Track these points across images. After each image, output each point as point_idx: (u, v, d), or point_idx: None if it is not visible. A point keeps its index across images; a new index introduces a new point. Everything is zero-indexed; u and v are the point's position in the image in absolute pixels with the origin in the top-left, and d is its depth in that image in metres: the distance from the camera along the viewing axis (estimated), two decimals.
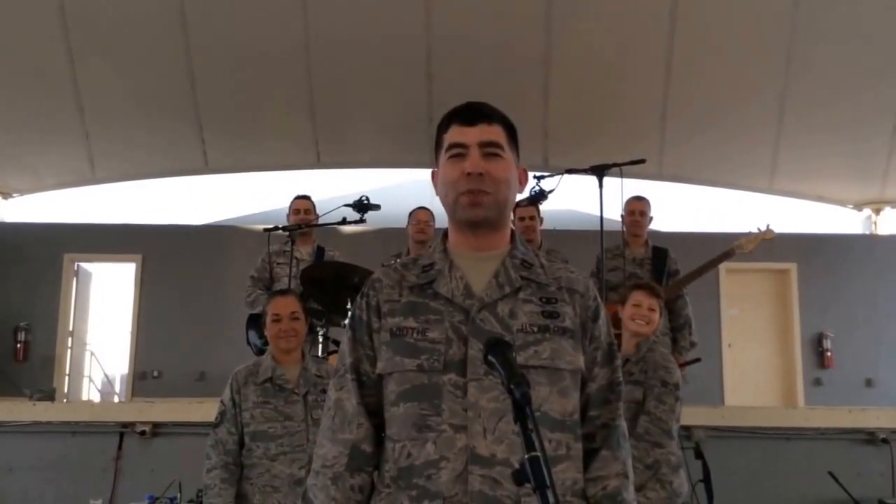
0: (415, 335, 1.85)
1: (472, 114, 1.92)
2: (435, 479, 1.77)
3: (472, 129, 1.89)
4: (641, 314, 4.19)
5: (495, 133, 1.91)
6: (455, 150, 1.90)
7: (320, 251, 6.33)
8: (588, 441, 1.92)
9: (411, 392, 1.82)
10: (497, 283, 1.88)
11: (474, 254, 1.93)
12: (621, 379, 1.99)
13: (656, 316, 4.20)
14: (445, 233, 2.01)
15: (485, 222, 1.90)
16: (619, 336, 4.38)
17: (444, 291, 1.88)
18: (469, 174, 1.86)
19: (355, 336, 1.96)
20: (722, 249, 6.15)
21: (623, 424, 1.97)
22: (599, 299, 1.99)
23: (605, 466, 1.90)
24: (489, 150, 1.89)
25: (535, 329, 1.85)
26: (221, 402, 3.92)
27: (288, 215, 6.25)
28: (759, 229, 6.05)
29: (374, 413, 1.92)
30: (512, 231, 2.00)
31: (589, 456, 1.91)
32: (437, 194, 1.98)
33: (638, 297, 4.23)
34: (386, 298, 1.92)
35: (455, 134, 1.91)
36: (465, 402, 1.78)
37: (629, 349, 4.23)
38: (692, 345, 6.21)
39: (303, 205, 6.24)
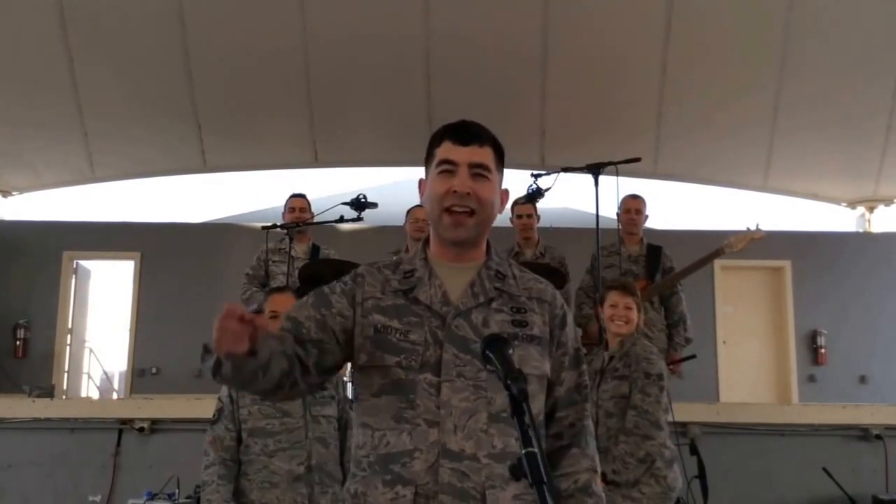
0: (397, 335, 1.96)
1: (465, 134, 2.02)
2: (409, 467, 1.89)
3: (464, 150, 2.00)
4: (619, 314, 4.25)
5: (485, 155, 2.01)
6: (445, 167, 2.00)
7: (316, 249, 6.35)
8: (556, 439, 2.07)
9: (391, 386, 1.94)
10: (472, 292, 2.01)
11: (453, 264, 2.05)
12: (587, 382, 2.13)
13: (634, 314, 4.25)
14: (426, 240, 2.12)
15: (466, 242, 2.03)
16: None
17: (424, 298, 1.99)
18: (455, 192, 1.97)
19: (314, 301, 2.05)
20: (714, 248, 6.19)
21: (590, 424, 2.12)
22: (567, 308, 2.13)
23: (575, 463, 2.06)
24: (477, 171, 1.99)
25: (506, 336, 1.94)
26: (219, 398, 3.91)
27: (283, 213, 6.27)
28: (748, 228, 6.08)
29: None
30: (488, 243, 2.10)
31: (559, 453, 2.07)
32: (422, 203, 2.10)
33: (614, 297, 4.30)
34: (368, 295, 2.03)
35: (447, 150, 2.01)
36: (438, 400, 1.91)
37: (613, 346, 4.29)
38: (687, 341, 6.25)
39: (298, 203, 6.26)
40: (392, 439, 1.92)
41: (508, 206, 6.29)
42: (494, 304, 2.01)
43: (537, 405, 1.99)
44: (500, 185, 2.07)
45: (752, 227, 6.07)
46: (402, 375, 1.93)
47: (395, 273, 2.06)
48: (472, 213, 1.98)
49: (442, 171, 2.01)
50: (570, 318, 2.13)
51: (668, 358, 6.00)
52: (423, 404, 1.91)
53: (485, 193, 1.99)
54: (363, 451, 1.98)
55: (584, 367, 2.14)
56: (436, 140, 2.06)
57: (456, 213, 1.98)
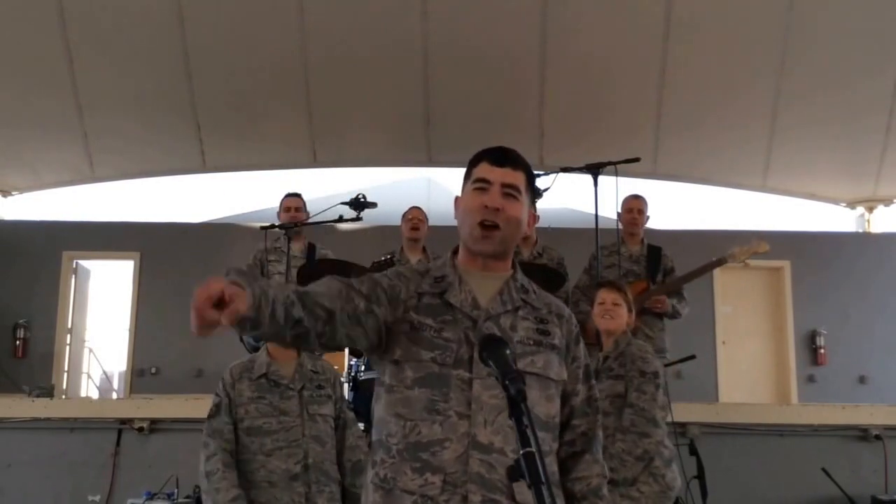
0: (432, 332, 2.10)
1: (501, 157, 2.19)
2: (438, 455, 2.01)
3: (499, 170, 2.16)
4: (606, 310, 4.30)
5: (517, 178, 2.18)
6: (479, 184, 2.17)
7: (312, 249, 6.35)
8: (570, 446, 2.23)
9: (425, 379, 2.07)
10: (501, 300, 2.17)
11: (481, 272, 2.20)
12: (598, 396, 2.32)
13: (622, 310, 4.30)
14: (455, 249, 2.27)
15: (491, 254, 2.18)
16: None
17: (455, 302, 2.14)
18: (487, 207, 2.13)
19: (392, 281, 2.17)
20: (714, 248, 6.19)
21: (600, 434, 2.30)
22: (579, 326, 2.32)
23: (588, 468, 2.23)
24: (508, 190, 2.16)
25: (532, 342, 2.14)
26: (216, 394, 3.88)
27: (278, 213, 6.26)
28: (752, 244, 6.08)
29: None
30: (513, 260, 2.27)
31: (573, 458, 2.23)
32: (456, 218, 2.23)
33: (601, 294, 4.36)
34: (409, 294, 2.16)
35: (483, 170, 2.18)
36: (469, 395, 2.04)
37: (607, 346, 4.31)
38: (678, 309, 6.17)
39: (293, 203, 6.25)
40: (424, 429, 2.03)
41: None
42: (521, 313, 2.17)
43: (555, 408, 2.16)
44: (530, 207, 2.23)
45: (757, 240, 6.07)
46: (436, 370, 2.06)
47: (425, 278, 2.20)
48: (497, 227, 2.13)
49: (476, 188, 2.16)
50: (580, 336, 2.30)
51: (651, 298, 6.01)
52: (455, 397, 2.04)
53: (513, 212, 2.15)
54: (394, 439, 2.08)
55: (594, 381, 2.32)
56: (474, 161, 2.22)
57: (485, 227, 2.13)
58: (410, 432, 2.05)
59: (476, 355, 2.02)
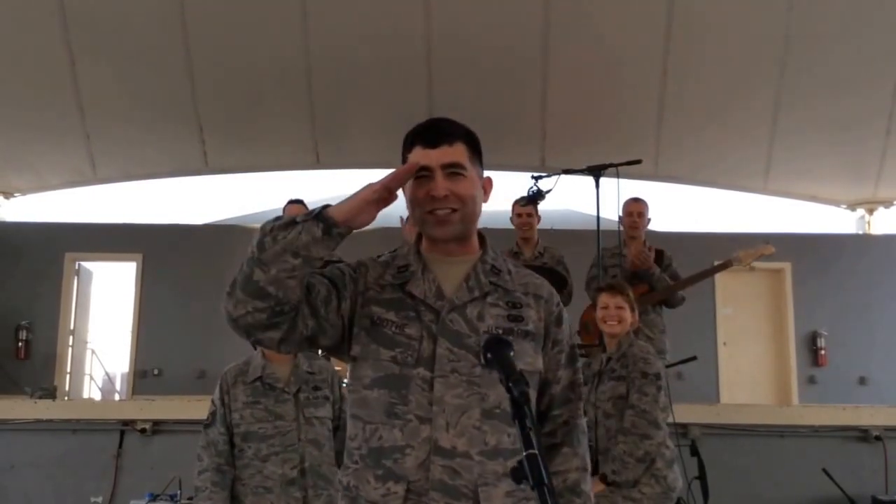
0: (393, 328, 1.95)
1: (434, 135, 1.98)
2: (400, 463, 1.90)
3: (435, 152, 1.96)
4: (610, 315, 4.29)
5: (458, 153, 1.98)
6: (420, 173, 1.96)
7: None
8: (550, 437, 2.08)
9: (384, 380, 1.94)
10: (467, 287, 2.00)
11: (446, 258, 2.04)
12: (581, 379, 2.14)
13: (626, 313, 4.30)
14: (420, 236, 2.09)
15: (453, 238, 2.01)
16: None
17: (418, 293, 1.99)
18: (434, 197, 1.95)
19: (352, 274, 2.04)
20: (716, 250, 6.21)
21: (583, 422, 2.12)
22: (562, 305, 2.13)
23: (566, 461, 2.07)
24: (451, 170, 1.96)
25: (501, 332, 1.95)
26: (212, 401, 3.85)
27: None
28: (758, 246, 6.11)
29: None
30: (482, 237, 2.10)
31: (551, 451, 2.07)
32: (406, 206, 2.05)
33: (604, 298, 4.35)
34: (369, 286, 2.02)
35: (418, 156, 1.97)
36: (430, 396, 1.91)
37: (611, 347, 4.32)
38: (673, 289, 6.18)
39: (296, 210, 6.24)
40: (384, 434, 1.92)
41: (509, 207, 6.27)
42: (489, 299, 2.00)
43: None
44: (480, 176, 2.05)
45: (762, 243, 6.10)
46: (396, 370, 1.93)
47: (390, 268, 2.05)
48: (454, 210, 1.97)
49: (418, 177, 1.97)
50: (565, 316, 2.12)
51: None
52: (415, 400, 1.91)
53: (463, 190, 1.97)
54: (355, 443, 1.98)
55: (579, 364, 2.14)
56: (407, 144, 2.02)
57: (438, 214, 1.97)
58: (371, 437, 1.94)
59: (439, 350, 1.92)
